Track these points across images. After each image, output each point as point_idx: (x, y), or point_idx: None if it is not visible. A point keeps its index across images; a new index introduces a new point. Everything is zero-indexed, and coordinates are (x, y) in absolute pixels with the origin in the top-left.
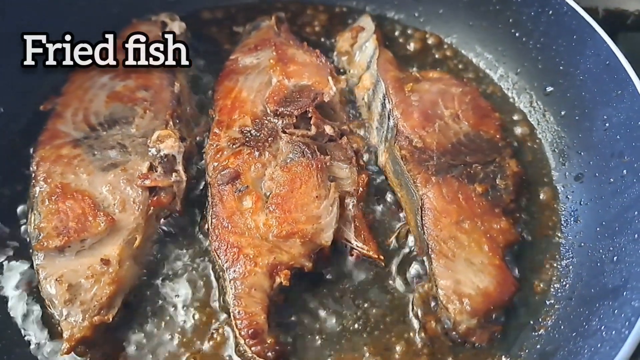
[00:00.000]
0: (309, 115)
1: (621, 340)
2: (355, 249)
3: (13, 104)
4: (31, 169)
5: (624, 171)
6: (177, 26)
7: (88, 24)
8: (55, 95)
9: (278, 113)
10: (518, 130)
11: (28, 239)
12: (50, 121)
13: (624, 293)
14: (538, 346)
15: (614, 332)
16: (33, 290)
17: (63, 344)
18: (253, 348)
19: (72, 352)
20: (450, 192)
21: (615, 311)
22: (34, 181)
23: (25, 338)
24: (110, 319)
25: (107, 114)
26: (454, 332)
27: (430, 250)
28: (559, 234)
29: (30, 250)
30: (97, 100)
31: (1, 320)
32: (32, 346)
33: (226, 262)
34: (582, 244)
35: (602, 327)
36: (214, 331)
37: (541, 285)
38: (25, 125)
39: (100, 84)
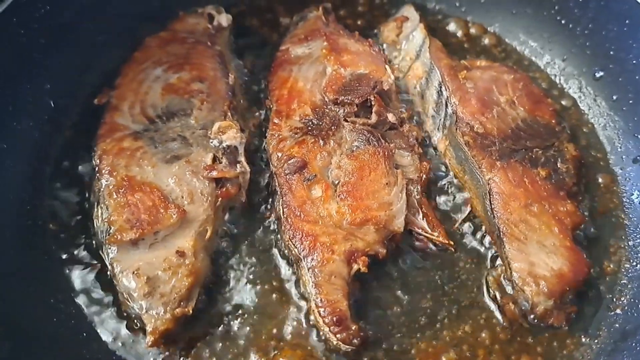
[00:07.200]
0: (369, 103)
1: None
2: (424, 236)
3: (64, 98)
4: (94, 162)
5: None
6: (225, 19)
7: (133, 16)
8: (108, 88)
9: (338, 102)
10: (570, 116)
11: (94, 234)
12: (108, 114)
13: None
14: (617, 325)
15: None
16: (104, 284)
17: (147, 337)
18: (338, 335)
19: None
20: (515, 176)
21: None
22: (98, 174)
23: (100, 332)
24: (191, 311)
25: (164, 106)
26: (532, 314)
27: (501, 233)
28: (623, 216)
29: (98, 244)
30: (153, 92)
31: (74, 315)
32: (109, 340)
33: (303, 250)
34: None
35: None
36: (293, 320)
37: (611, 266)
38: (76, 120)
39: (154, 77)
